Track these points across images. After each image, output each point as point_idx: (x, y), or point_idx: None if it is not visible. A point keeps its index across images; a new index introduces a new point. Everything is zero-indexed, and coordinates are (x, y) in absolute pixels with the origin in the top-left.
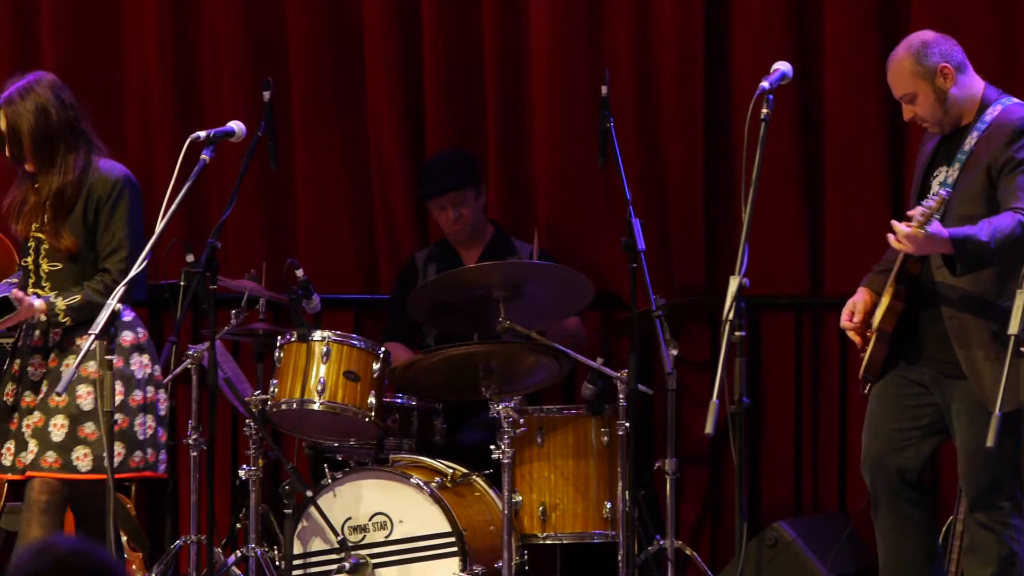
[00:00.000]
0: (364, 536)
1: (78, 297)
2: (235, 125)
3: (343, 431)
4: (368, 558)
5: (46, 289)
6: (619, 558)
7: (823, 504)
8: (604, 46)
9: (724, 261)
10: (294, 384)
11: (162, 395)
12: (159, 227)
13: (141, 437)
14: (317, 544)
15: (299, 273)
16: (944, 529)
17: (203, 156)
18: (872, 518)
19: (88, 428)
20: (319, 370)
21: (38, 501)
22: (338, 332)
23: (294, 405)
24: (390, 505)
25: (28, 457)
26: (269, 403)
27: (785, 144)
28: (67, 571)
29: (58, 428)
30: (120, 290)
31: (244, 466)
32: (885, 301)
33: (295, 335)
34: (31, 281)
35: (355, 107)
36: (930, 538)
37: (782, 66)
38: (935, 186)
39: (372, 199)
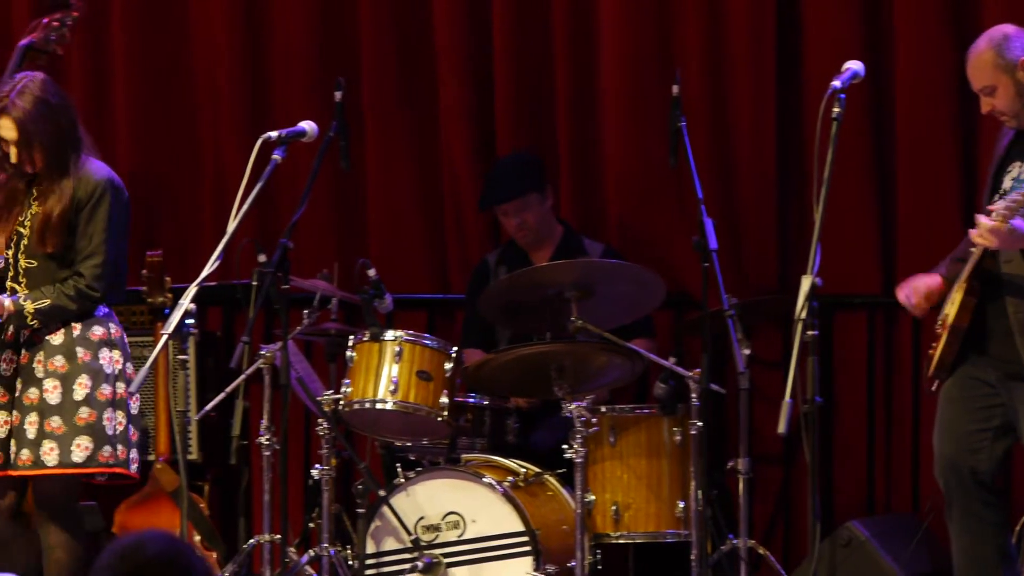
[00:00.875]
0: (437, 536)
1: (47, 301)
2: (307, 125)
3: (416, 431)
4: (441, 557)
5: (22, 285)
6: (692, 557)
7: (896, 503)
8: (675, 45)
9: (796, 260)
10: (367, 384)
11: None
12: (231, 227)
13: (110, 432)
14: (390, 544)
15: (371, 273)
16: (1018, 529)
17: (275, 156)
18: (946, 519)
19: (55, 423)
20: (392, 370)
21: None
22: (410, 332)
23: (367, 405)
24: (463, 504)
25: (11, 457)
26: (342, 403)
27: (857, 142)
28: (156, 569)
29: (32, 425)
30: (193, 290)
31: (317, 466)
32: (958, 297)
33: (367, 335)
34: (10, 275)
35: (426, 106)
36: (1003, 539)
37: (853, 65)
38: (1008, 182)
39: (443, 198)
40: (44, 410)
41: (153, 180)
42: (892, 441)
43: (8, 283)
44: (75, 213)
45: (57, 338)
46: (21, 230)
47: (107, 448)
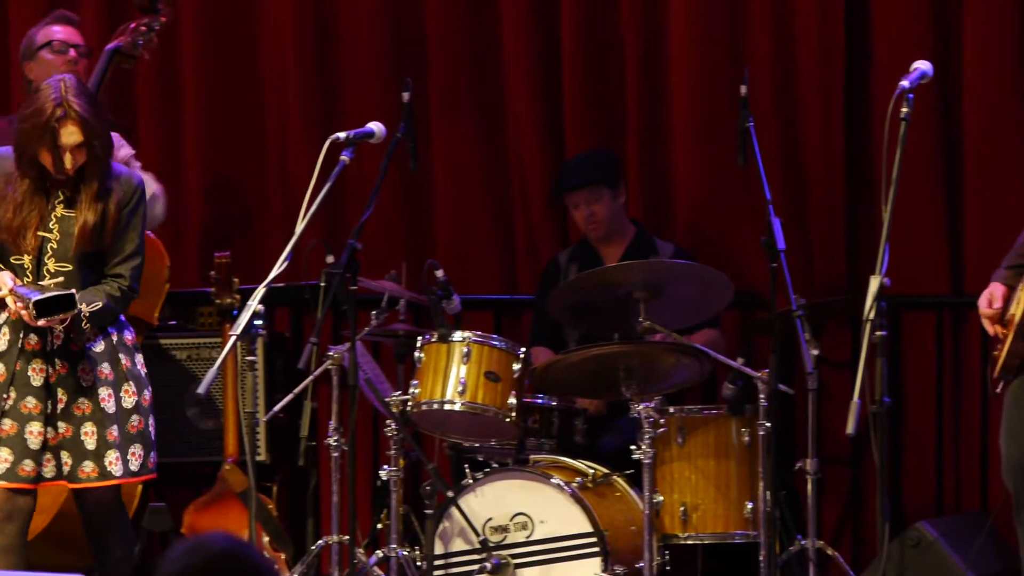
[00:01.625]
0: (505, 536)
1: (99, 304)
2: (375, 126)
3: (484, 431)
4: (509, 558)
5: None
6: (760, 558)
7: (965, 503)
8: (744, 45)
9: (865, 260)
10: (435, 385)
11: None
12: (299, 228)
13: (152, 438)
14: (458, 544)
15: (439, 274)
16: None
17: (343, 157)
18: (1015, 521)
19: (114, 432)
20: (460, 371)
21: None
22: (478, 333)
23: (435, 406)
24: (531, 505)
25: (64, 469)
26: (410, 404)
27: (925, 142)
28: (217, 571)
29: (90, 436)
30: (261, 291)
31: (385, 466)
32: (1023, 296)
33: (436, 336)
34: (26, 281)
35: (494, 107)
36: None
37: (922, 65)
38: None
39: (512, 199)
40: (102, 420)
41: (222, 181)
42: (961, 441)
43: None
44: (118, 213)
45: (99, 346)
46: (46, 235)
47: (153, 454)
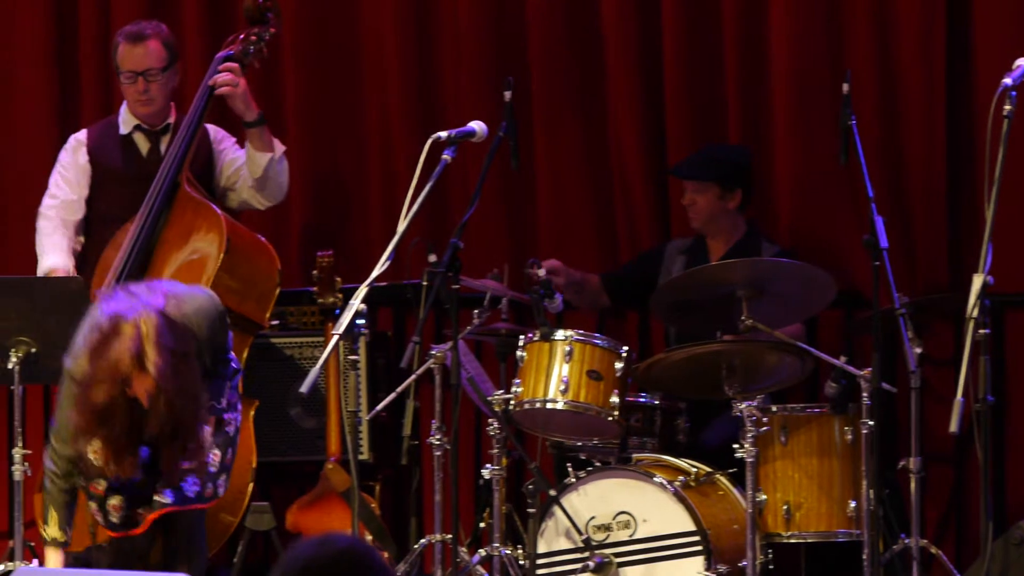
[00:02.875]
0: (608, 535)
1: None
2: (476, 125)
3: (586, 430)
4: (612, 557)
5: None
6: (864, 557)
7: None
8: (845, 43)
9: (968, 258)
10: (537, 383)
11: None
12: (401, 227)
13: None
14: (561, 543)
15: (541, 272)
16: None
17: (445, 156)
18: None
19: None
20: (562, 369)
21: None
22: (581, 331)
23: (537, 404)
24: (634, 504)
25: None
26: (512, 402)
27: None
28: (346, 563)
29: None
30: (363, 290)
31: (488, 465)
32: None
33: (538, 334)
34: None
35: (595, 106)
36: None
37: None
38: None
39: (613, 198)
40: None
41: (323, 180)
42: None
43: None
44: None
45: None
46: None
47: None
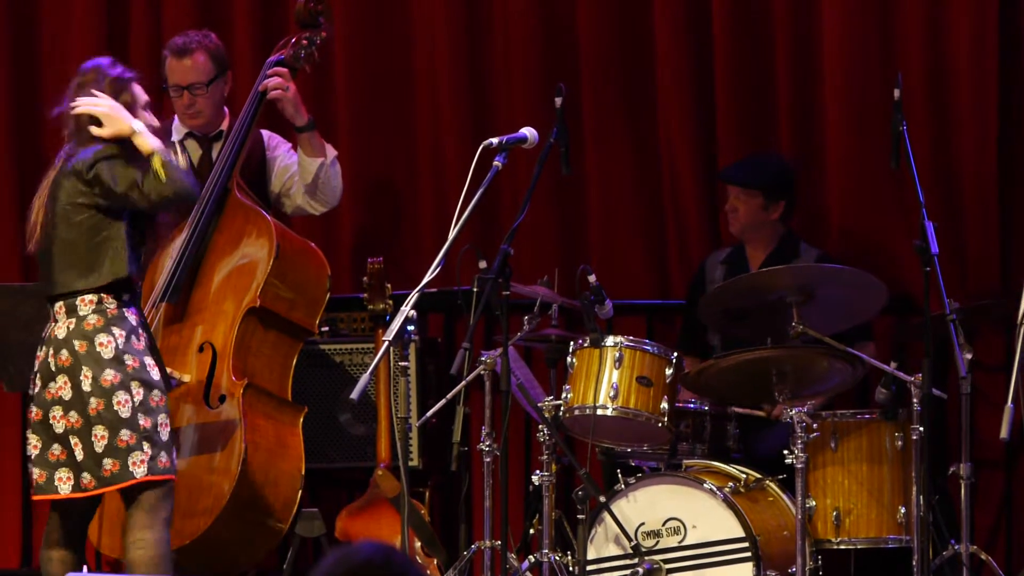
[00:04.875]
0: (657, 541)
1: None
2: (527, 131)
3: (636, 436)
4: (661, 563)
5: None
6: (914, 563)
7: None
8: (896, 49)
9: (1019, 264)
10: (587, 390)
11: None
12: (452, 233)
13: None
14: (610, 549)
15: (591, 279)
16: None
17: (496, 162)
18: None
19: (124, 436)
20: (612, 375)
21: None
22: (631, 337)
23: (587, 411)
24: (683, 510)
25: None
26: (562, 409)
27: None
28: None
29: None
30: (414, 296)
31: (537, 471)
32: None
33: (588, 341)
34: None
35: (646, 113)
36: None
37: None
38: None
39: (663, 205)
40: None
41: (374, 186)
42: None
43: None
44: None
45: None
46: None
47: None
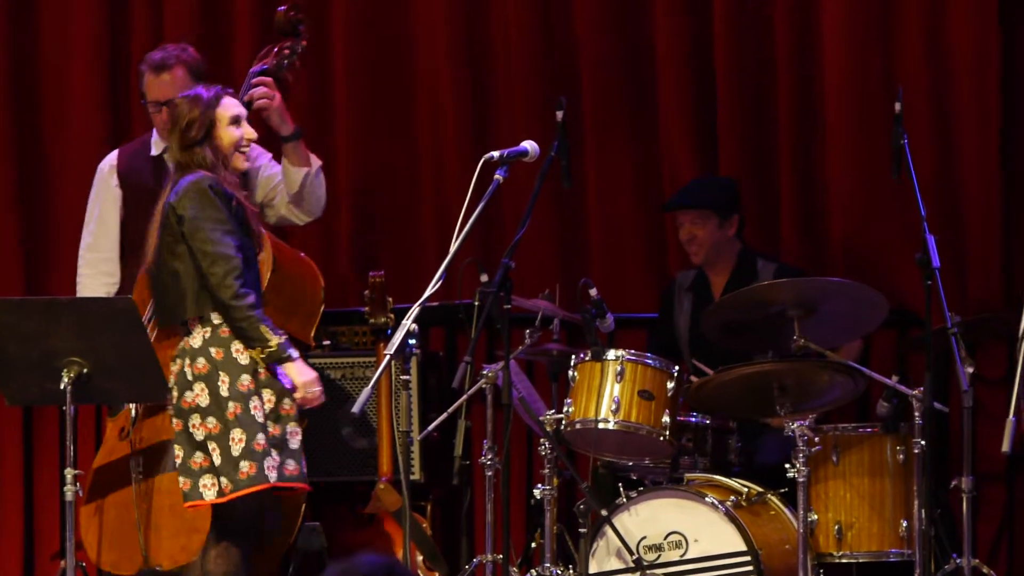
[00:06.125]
0: (659, 555)
1: None
2: (528, 145)
3: (637, 450)
4: None
5: None
6: None
7: None
8: (897, 62)
9: (1021, 277)
10: (588, 403)
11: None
12: (454, 247)
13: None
14: (612, 563)
15: (593, 292)
16: None
17: (497, 176)
18: None
19: (260, 440)
20: (613, 389)
21: None
22: (632, 351)
23: (588, 424)
24: (685, 524)
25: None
26: (564, 422)
27: None
28: None
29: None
30: (415, 310)
31: (539, 485)
32: None
33: (589, 354)
34: None
35: (646, 125)
36: None
37: None
38: None
39: (664, 219)
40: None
41: (374, 200)
42: None
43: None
44: None
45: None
46: None
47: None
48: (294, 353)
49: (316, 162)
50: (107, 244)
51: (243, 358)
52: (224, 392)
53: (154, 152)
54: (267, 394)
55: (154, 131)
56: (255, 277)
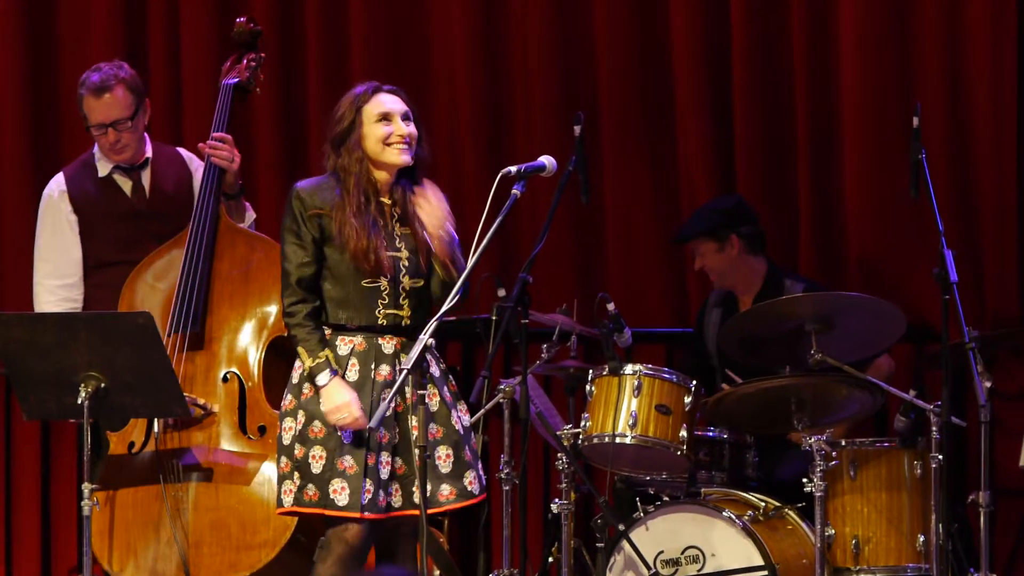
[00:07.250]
0: (677, 570)
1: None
2: (546, 160)
3: (655, 464)
4: None
5: (405, 307)
6: None
7: None
8: (915, 77)
9: None
10: (606, 418)
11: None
12: (471, 261)
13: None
14: None
15: (610, 307)
16: None
17: (514, 191)
18: None
19: (468, 452)
20: (631, 404)
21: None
22: (650, 366)
23: (606, 439)
24: (702, 538)
25: (412, 497)
26: (581, 437)
27: None
28: None
29: (446, 460)
30: (433, 324)
31: (556, 500)
32: None
33: (607, 369)
34: (384, 302)
35: (664, 140)
36: None
37: None
38: None
39: None
40: (458, 441)
41: None
42: None
43: (383, 309)
44: None
45: (436, 368)
46: (396, 255)
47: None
48: (321, 379)
49: (251, 216)
50: (70, 270)
51: (295, 376)
52: (281, 409)
53: (101, 174)
54: (301, 415)
55: (94, 151)
56: (340, 283)
